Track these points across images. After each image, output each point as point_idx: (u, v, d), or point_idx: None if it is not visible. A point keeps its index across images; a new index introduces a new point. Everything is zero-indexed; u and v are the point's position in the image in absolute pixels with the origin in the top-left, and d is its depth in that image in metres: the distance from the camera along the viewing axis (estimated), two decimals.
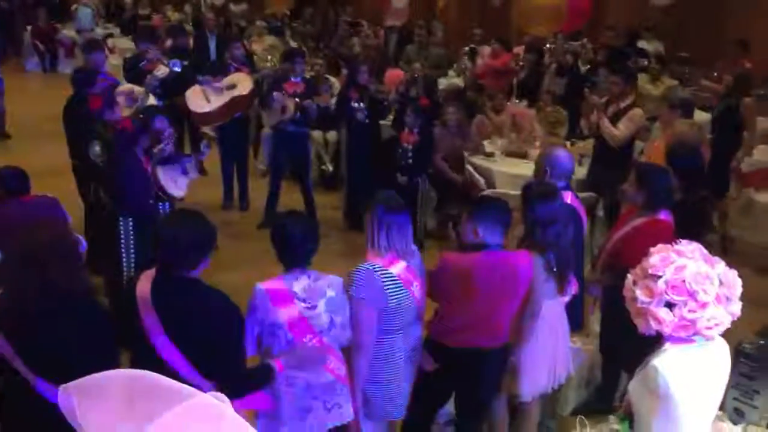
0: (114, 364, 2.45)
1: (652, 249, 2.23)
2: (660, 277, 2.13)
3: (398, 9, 11.39)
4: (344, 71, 9.86)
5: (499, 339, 3.47)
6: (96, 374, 1.36)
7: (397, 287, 3.23)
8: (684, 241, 2.22)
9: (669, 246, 2.20)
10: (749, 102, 6.89)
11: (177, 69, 7.23)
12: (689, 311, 2.11)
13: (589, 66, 9.26)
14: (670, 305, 2.13)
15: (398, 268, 3.25)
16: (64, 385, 1.36)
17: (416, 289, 3.33)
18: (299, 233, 3.11)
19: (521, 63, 9.54)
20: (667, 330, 2.16)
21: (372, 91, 7.35)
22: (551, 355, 3.66)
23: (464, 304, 3.34)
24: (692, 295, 2.11)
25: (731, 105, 6.96)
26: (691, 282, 2.10)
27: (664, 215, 3.96)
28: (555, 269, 3.51)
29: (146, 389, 1.30)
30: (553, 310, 3.63)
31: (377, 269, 3.21)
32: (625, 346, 4.06)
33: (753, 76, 7.58)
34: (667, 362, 2.17)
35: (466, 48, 11.16)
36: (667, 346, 2.20)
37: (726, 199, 6.66)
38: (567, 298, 3.73)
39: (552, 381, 3.73)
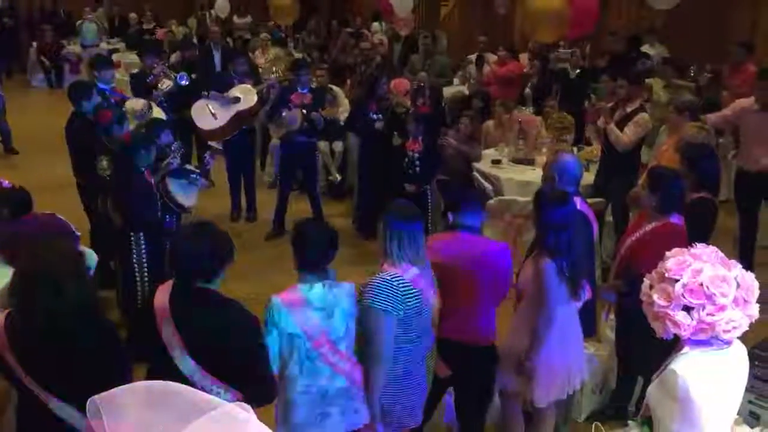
0: (126, 380, 2.45)
1: (667, 253, 2.22)
2: (677, 280, 2.12)
3: (402, 19, 11.42)
4: (348, 81, 9.90)
5: (483, 338, 3.58)
6: (119, 387, 1.36)
7: (414, 295, 3.22)
8: (700, 245, 2.21)
9: (685, 249, 2.19)
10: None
11: (184, 82, 7.26)
12: (707, 314, 2.10)
13: (578, 72, 9.27)
14: (687, 309, 2.12)
15: (411, 275, 3.25)
16: (91, 398, 1.36)
17: (430, 296, 3.33)
18: (321, 236, 3.16)
19: (530, 70, 9.58)
20: (685, 334, 2.15)
21: (392, 102, 7.34)
22: (566, 360, 3.65)
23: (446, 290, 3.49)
24: (710, 298, 2.10)
25: (711, 103, 6.98)
26: (709, 285, 2.09)
27: (675, 219, 3.96)
28: (567, 274, 3.50)
29: (169, 401, 1.29)
30: (566, 315, 3.61)
31: (395, 278, 3.20)
32: (641, 352, 4.08)
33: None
34: (686, 366, 2.16)
35: (472, 56, 11.19)
36: (686, 349, 2.19)
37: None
38: (580, 304, 3.72)
39: (567, 387, 3.71)
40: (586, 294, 3.72)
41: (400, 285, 3.19)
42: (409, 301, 3.21)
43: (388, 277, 3.20)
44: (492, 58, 10.65)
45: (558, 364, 3.61)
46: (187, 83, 7.28)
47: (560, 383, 3.67)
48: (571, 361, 3.68)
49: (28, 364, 2.61)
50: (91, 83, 6.34)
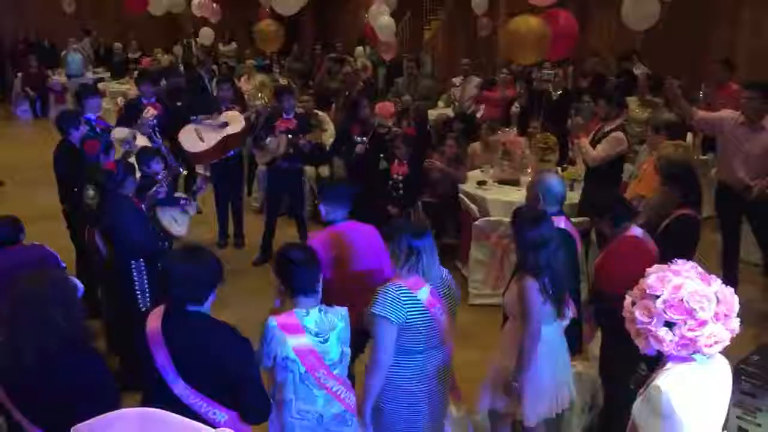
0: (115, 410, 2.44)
1: (648, 269, 2.25)
2: (658, 296, 2.15)
3: (385, 43, 11.52)
4: (333, 106, 9.96)
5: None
6: (107, 414, 1.36)
7: (417, 306, 3.25)
8: (680, 260, 2.24)
9: (665, 266, 2.22)
10: None
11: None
12: (689, 330, 2.12)
13: (560, 92, 9.37)
14: (669, 324, 2.14)
15: (423, 292, 3.28)
16: (75, 427, 1.36)
17: (438, 311, 3.33)
18: (302, 257, 3.19)
19: (521, 92, 9.68)
20: (667, 349, 2.17)
21: (375, 124, 7.40)
22: (553, 379, 3.65)
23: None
24: (690, 313, 2.12)
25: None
26: (689, 300, 2.12)
27: (634, 231, 4.07)
28: (551, 293, 3.52)
29: (158, 427, 1.29)
30: (552, 334, 3.63)
31: (399, 288, 3.25)
32: (623, 369, 4.11)
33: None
34: (669, 381, 2.17)
35: (456, 79, 11.28)
36: (669, 365, 2.21)
37: None
38: (566, 322, 3.74)
39: (555, 406, 3.71)
40: (571, 312, 3.74)
41: (402, 294, 3.23)
42: (412, 311, 3.23)
43: (392, 287, 3.26)
44: (475, 80, 10.75)
45: (546, 383, 3.62)
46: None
47: (548, 402, 3.67)
48: (559, 380, 3.69)
49: (16, 397, 2.60)
50: (79, 112, 6.34)
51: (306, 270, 3.17)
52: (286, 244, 3.44)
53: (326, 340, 3.12)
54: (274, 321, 3.10)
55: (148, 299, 4.94)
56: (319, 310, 3.15)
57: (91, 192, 5.37)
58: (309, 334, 3.09)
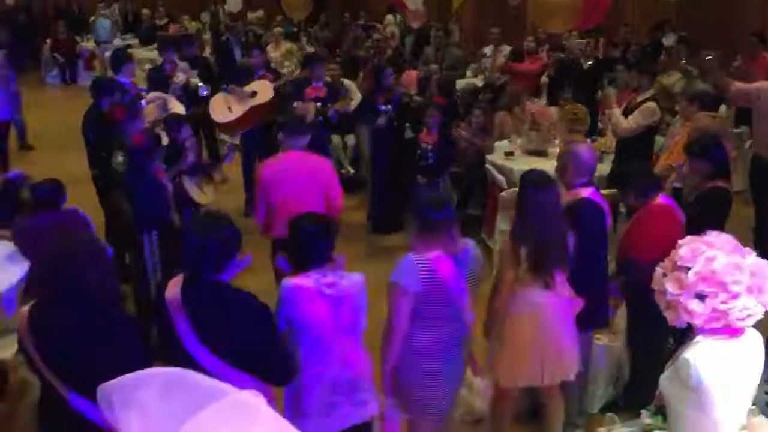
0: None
1: (680, 241, 2.21)
2: (690, 268, 2.11)
3: (415, 11, 11.38)
4: (361, 74, 9.90)
5: None
6: (132, 374, 1.37)
7: (432, 277, 3.22)
8: (713, 232, 2.20)
9: (698, 237, 2.18)
10: None
11: (205, 93, 7.27)
12: (720, 302, 2.09)
13: (591, 62, 9.20)
14: (700, 297, 2.11)
15: (442, 263, 3.24)
16: (101, 385, 1.37)
17: (457, 284, 3.29)
18: (316, 230, 3.19)
19: (549, 61, 9.53)
20: (698, 322, 2.14)
21: (399, 93, 7.35)
22: (538, 347, 3.62)
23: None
24: (723, 286, 2.09)
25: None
26: (722, 273, 2.08)
27: (661, 199, 4.06)
28: (533, 260, 3.51)
29: (182, 388, 1.31)
30: (539, 303, 3.60)
31: (417, 259, 3.23)
32: (649, 341, 4.09)
33: None
34: (699, 355, 2.15)
35: (486, 48, 11.12)
36: (699, 338, 2.18)
37: None
38: (563, 297, 3.66)
39: (542, 375, 3.67)
40: (566, 290, 3.67)
41: (420, 264, 3.21)
42: (429, 282, 3.21)
43: (410, 257, 3.24)
44: (506, 50, 10.59)
45: (525, 350, 3.61)
46: (207, 94, 7.29)
47: (529, 370, 3.65)
48: (548, 351, 3.64)
49: (47, 355, 2.64)
50: (114, 79, 6.38)
51: (319, 242, 3.18)
52: (300, 215, 3.41)
53: (340, 304, 3.13)
54: (288, 283, 3.13)
55: (158, 273, 4.99)
56: (333, 274, 3.16)
57: (120, 158, 5.41)
58: (322, 297, 3.10)
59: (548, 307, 3.65)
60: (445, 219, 3.28)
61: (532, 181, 3.68)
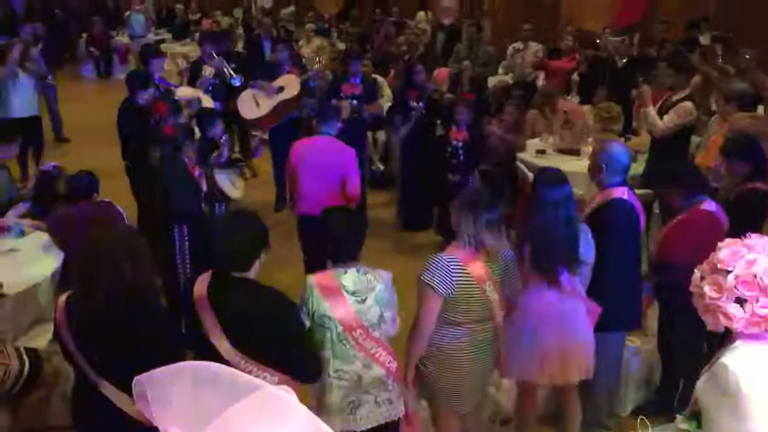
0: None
1: (720, 243, 2.15)
2: (730, 272, 2.06)
3: (447, 7, 11.33)
4: (392, 71, 9.88)
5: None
6: (166, 367, 1.37)
7: (465, 279, 3.21)
8: (754, 235, 2.14)
9: (738, 240, 2.13)
10: None
11: (237, 84, 7.34)
12: (761, 307, 2.04)
13: (626, 60, 9.07)
14: (740, 301, 2.06)
15: (476, 266, 3.23)
16: (137, 377, 1.38)
17: (489, 288, 3.27)
18: (343, 227, 3.20)
19: (581, 60, 9.44)
20: (737, 327, 2.09)
21: (430, 90, 7.34)
22: (533, 346, 3.56)
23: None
24: (764, 290, 2.03)
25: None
26: (763, 277, 2.03)
27: (708, 206, 3.94)
28: (538, 260, 3.48)
29: (212, 382, 1.30)
30: (541, 301, 3.55)
31: (450, 259, 3.22)
32: (682, 345, 4.01)
33: None
34: (737, 360, 2.09)
35: (517, 44, 11.03)
36: (738, 343, 2.13)
37: None
38: (570, 297, 3.59)
39: (538, 374, 3.63)
40: (571, 287, 3.60)
41: (453, 265, 3.19)
42: (461, 284, 3.19)
43: (444, 256, 3.22)
44: (534, 47, 10.49)
45: (525, 347, 3.56)
46: (240, 84, 7.36)
47: (529, 367, 3.61)
48: (547, 351, 3.58)
49: (83, 345, 2.67)
50: (148, 73, 6.45)
51: (345, 242, 3.19)
52: (332, 208, 3.41)
53: (364, 301, 3.12)
54: (312, 279, 3.13)
55: (188, 267, 5.01)
56: (357, 270, 3.15)
57: (158, 153, 5.47)
58: (346, 293, 3.10)
59: (551, 306, 3.59)
60: (491, 220, 3.24)
61: (545, 179, 3.64)
